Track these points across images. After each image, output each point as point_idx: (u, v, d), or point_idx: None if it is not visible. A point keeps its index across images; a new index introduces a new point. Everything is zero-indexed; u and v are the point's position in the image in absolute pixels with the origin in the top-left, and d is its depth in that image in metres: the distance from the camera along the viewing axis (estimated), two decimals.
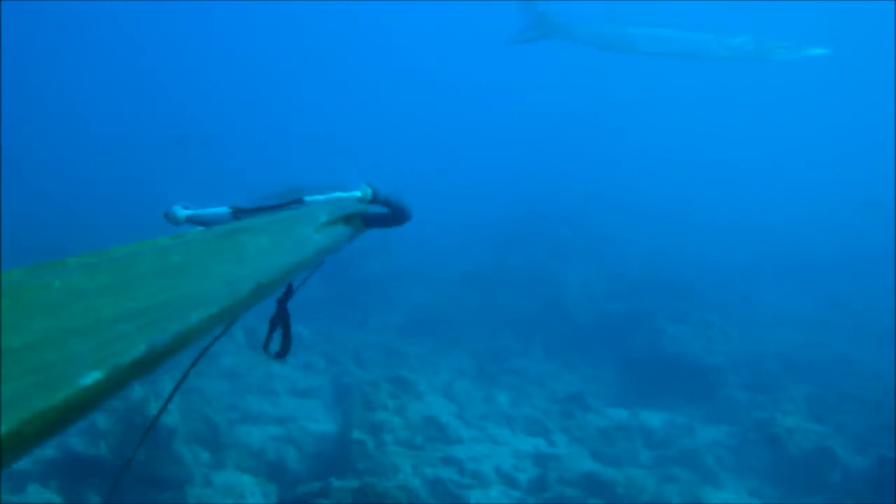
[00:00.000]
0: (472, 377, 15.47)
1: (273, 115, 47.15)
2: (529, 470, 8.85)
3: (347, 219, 2.41)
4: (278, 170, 24.81)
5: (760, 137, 49.78)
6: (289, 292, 2.69)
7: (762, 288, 19.84)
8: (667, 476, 8.59)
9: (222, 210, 2.51)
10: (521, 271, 20.07)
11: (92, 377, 0.86)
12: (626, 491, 8.02)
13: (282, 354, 2.65)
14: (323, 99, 51.70)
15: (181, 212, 2.49)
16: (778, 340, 15.46)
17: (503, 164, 36.64)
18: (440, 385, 13.62)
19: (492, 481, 8.60)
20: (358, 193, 2.68)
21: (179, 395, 10.00)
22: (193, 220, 2.51)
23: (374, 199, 2.66)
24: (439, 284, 20.66)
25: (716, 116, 51.99)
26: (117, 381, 0.90)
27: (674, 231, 24.10)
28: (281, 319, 2.70)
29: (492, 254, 20.37)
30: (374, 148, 33.84)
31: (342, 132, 41.15)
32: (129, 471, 7.68)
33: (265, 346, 2.60)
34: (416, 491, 6.16)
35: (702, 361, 13.25)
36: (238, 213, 2.48)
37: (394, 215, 2.75)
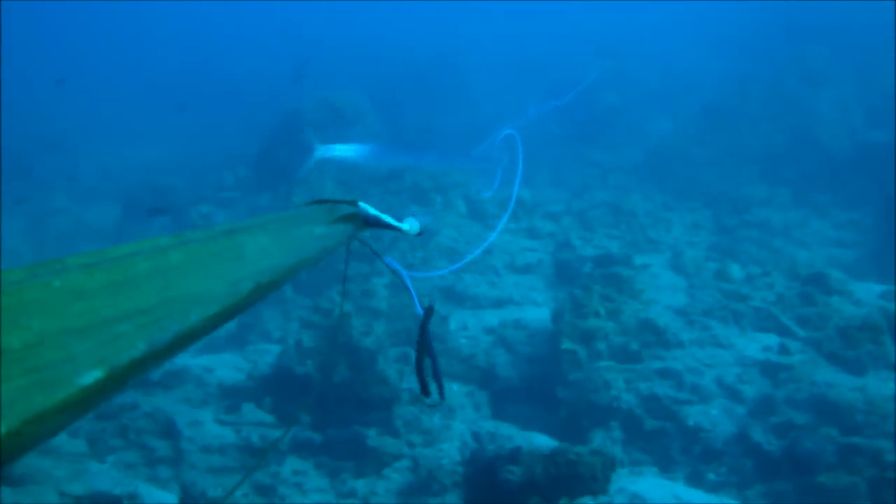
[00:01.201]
0: (709, 232, 14.51)
1: None
2: (757, 382, 8.07)
3: (347, 218, 2.32)
4: None
5: None
6: (429, 314, 2.57)
7: None
8: None
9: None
10: (766, 100, 18.28)
11: (92, 377, 0.88)
12: (865, 419, 7.12)
13: (439, 399, 2.49)
14: None
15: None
16: None
17: None
18: (669, 247, 12.84)
19: (713, 396, 7.94)
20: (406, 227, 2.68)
21: (389, 290, 9.97)
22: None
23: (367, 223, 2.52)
24: (678, 118, 19.39)
25: None
26: (117, 381, 0.92)
27: None
28: (427, 352, 2.54)
29: (735, 82, 18.59)
30: None
31: None
32: (335, 392, 7.77)
33: (422, 394, 2.43)
34: (610, 455, 5.70)
35: None
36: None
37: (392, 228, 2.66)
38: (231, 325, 10.06)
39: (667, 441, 7.66)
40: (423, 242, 12.25)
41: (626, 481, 6.92)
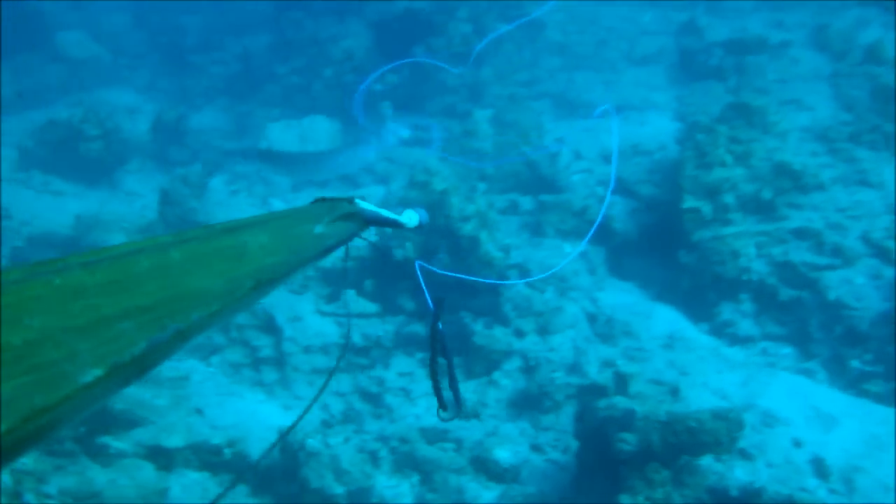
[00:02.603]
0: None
1: None
2: None
3: (348, 216, 2.28)
4: None
5: None
6: (439, 308, 2.48)
7: None
8: None
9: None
10: None
11: (92, 375, 0.88)
12: None
13: (456, 413, 2.54)
14: None
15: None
16: None
17: None
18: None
19: (858, 257, 7.04)
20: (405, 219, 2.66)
21: (494, 127, 9.17)
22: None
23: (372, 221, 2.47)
24: None
25: None
26: (118, 379, 0.93)
27: None
28: (443, 349, 2.50)
29: None
30: None
31: None
32: (443, 277, 7.31)
33: (439, 409, 2.46)
34: (737, 417, 5.09)
35: None
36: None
37: (392, 224, 2.63)
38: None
39: (804, 314, 6.94)
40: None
41: (756, 384, 6.38)
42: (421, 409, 6.65)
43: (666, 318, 7.27)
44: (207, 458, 5.84)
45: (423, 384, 6.88)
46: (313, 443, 5.71)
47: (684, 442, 4.96)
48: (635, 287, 7.91)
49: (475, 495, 5.56)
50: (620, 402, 5.14)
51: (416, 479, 5.88)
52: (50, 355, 0.87)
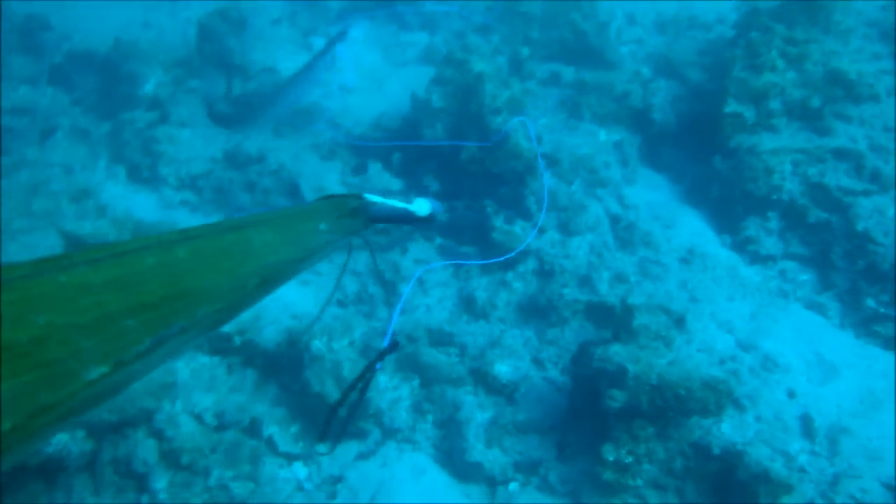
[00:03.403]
0: None
1: None
2: None
3: (353, 213, 2.35)
4: None
5: None
6: (384, 354, 2.61)
7: None
8: None
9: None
10: None
11: (97, 372, 0.89)
12: None
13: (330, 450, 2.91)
14: None
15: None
16: None
17: None
18: None
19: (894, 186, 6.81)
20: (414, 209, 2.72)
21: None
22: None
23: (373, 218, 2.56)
24: None
25: None
26: (123, 377, 0.94)
27: None
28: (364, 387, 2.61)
29: None
30: None
31: None
32: (463, 167, 7.27)
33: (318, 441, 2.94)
34: (726, 387, 5.13)
35: None
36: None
37: (400, 217, 2.69)
38: None
39: (830, 239, 6.82)
40: None
41: (765, 318, 6.40)
42: (433, 300, 6.80)
43: (689, 226, 7.19)
44: (218, 344, 6.11)
45: (438, 274, 7.01)
46: (318, 345, 5.90)
47: (672, 406, 5.09)
48: (666, 182, 7.78)
49: (469, 413, 5.80)
50: (616, 353, 5.22)
51: (416, 382, 6.12)
52: (55, 352, 0.87)
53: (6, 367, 0.78)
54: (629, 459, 5.14)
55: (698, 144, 7.63)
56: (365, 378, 2.54)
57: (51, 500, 5.15)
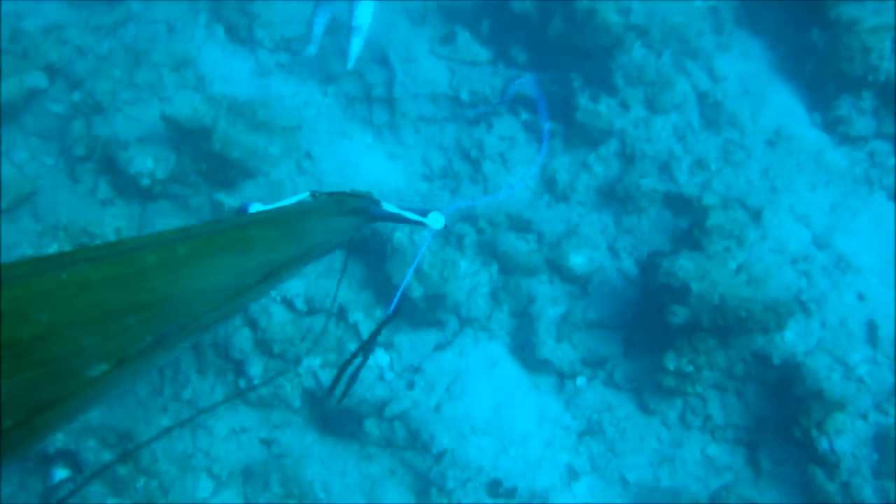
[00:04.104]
0: None
1: None
2: None
3: (355, 211, 2.43)
4: None
5: None
6: (388, 320, 2.71)
7: None
8: None
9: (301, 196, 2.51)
10: None
11: (98, 370, 0.89)
12: None
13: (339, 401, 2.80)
14: None
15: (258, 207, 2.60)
16: None
17: None
18: None
19: None
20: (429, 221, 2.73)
21: None
22: None
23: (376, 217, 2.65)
24: None
25: None
26: (124, 374, 0.94)
27: None
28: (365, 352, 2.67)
29: None
30: None
31: None
32: (551, 42, 7.22)
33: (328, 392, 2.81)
34: (787, 308, 5.24)
35: None
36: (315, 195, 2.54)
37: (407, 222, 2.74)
38: None
39: None
40: None
41: (844, 211, 6.38)
42: (515, 179, 6.98)
43: (779, 103, 7.05)
44: None
45: (522, 150, 7.15)
46: (400, 237, 6.21)
47: (732, 326, 5.31)
48: (761, 48, 7.52)
49: (541, 308, 6.13)
50: (681, 268, 5.40)
51: (494, 269, 6.39)
52: (56, 350, 0.87)
53: (7, 364, 0.79)
54: (689, 369, 5.44)
55: (800, 9, 7.30)
56: (369, 341, 2.58)
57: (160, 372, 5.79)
